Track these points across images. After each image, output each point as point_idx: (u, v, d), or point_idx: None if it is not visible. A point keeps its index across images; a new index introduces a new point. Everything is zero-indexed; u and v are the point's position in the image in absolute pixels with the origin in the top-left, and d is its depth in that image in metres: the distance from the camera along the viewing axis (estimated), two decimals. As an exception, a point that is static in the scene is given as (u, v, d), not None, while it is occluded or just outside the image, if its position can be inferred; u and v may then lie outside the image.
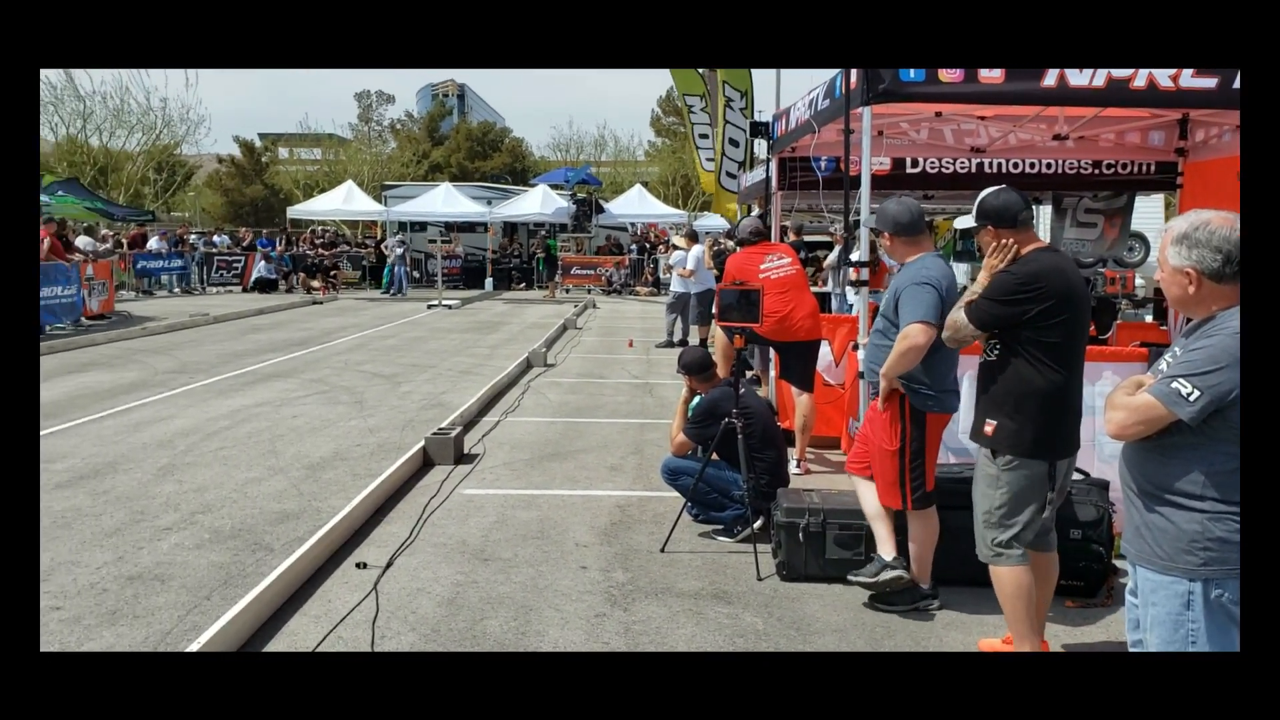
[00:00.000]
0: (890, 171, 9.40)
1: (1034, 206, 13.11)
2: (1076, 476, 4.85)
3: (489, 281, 29.61)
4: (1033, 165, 9.42)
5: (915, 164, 9.61)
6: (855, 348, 6.31)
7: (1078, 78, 5.06)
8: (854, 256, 5.84)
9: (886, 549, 4.57)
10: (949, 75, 5.11)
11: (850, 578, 4.65)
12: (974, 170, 9.50)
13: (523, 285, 30.30)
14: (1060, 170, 9.46)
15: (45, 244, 17.16)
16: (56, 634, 4.21)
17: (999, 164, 9.38)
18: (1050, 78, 5.08)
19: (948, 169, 9.64)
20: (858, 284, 5.48)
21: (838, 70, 5.60)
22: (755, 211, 10.64)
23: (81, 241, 20.08)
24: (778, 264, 7.01)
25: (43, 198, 22.99)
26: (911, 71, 5.05)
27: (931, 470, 4.48)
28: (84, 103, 43.61)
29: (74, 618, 4.38)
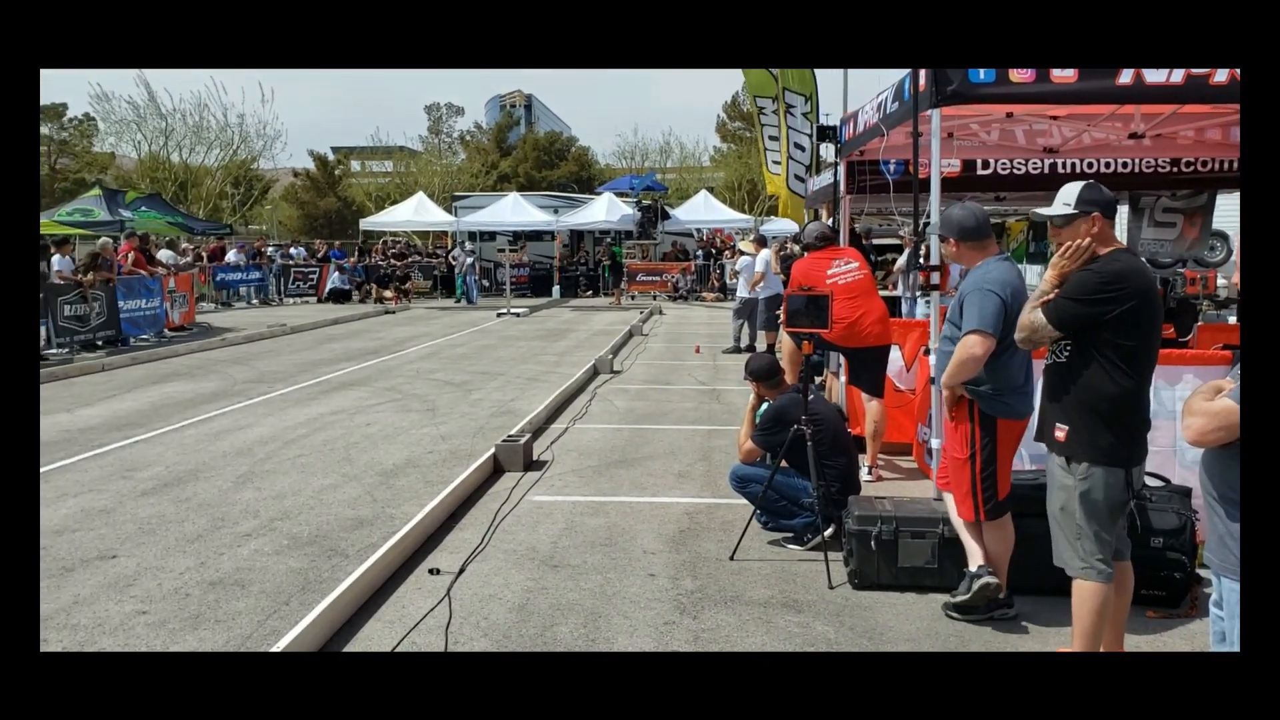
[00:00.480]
0: (961, 174, 9.27)
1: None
2: (1156, 483, 4.72)
3: (556, 289, 29.85)
4: (1108, 165, 9.21)
5: (986, 165, 9.47)
6: (926, 352, 6.23)
7: (1154, 74, 4.92)
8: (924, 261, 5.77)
9: (975, 560, 4.47)
10: (1020, 75, 5.02)
11: (947, 613, 4.56)
12: (1046, 171, 9.32)
13: (589, 292, 30.47)
14: (1137, 169, 9.24)
15: (129, 258, 17.78)
16: (143, 637, 4.35)
17: (1072, 164, 9.19)
18: (1126, 75, 4.95)
19: (1019, 170, 9.48)
20: (928, 288, 5.40)
21: (906, 72, 5.54)
22: (823, 216, 10.56)
23: (164, 255, 20.73)
24: (845, 269, 6.95)
25: (126, 213, 23.77)
26: (981, 73, 4.97)
27: (1004, 478, 4.39)
28: (165, 120, 45.09)
29: (159, 621, 4.52)
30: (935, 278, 5.42)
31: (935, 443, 5.37)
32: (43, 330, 14.65)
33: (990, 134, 8.49)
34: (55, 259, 15.71)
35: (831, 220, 8.97)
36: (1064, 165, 9.25)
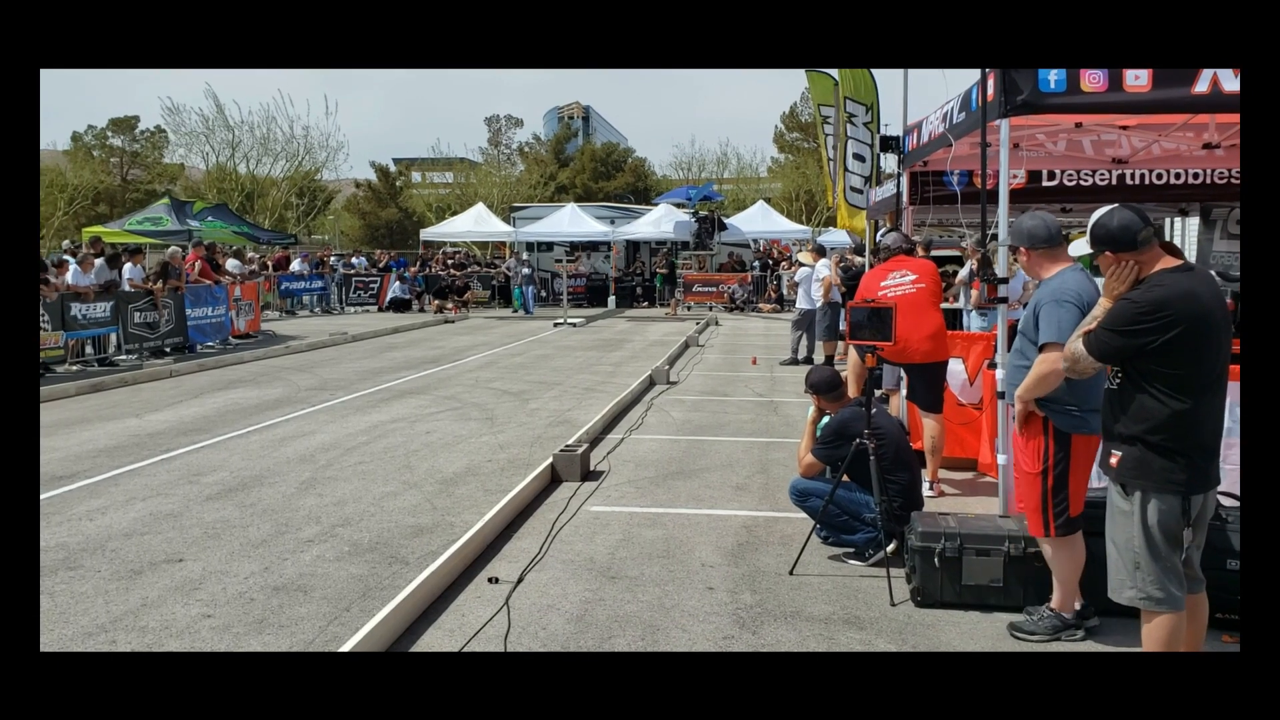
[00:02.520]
0: (1026, 185, 9.12)
1: (1181, 219, 12.50)
2: (1231, 503, 4.56)
3: (612, 299, 29.94)
4: (1178, 175, 8.99)
5: (1052, 176, 9.30)
6: (991, 366, 6.11)
7: (1232, 82, 4.77)
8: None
9: (1056, 597, 4.35)
10: (1092, 84, 4.91)
11: (1013, 633, 4.46)
12: (1114, 182, 9.12)
13: (645, 303, 30.51)
14: (1209, 180, 9.00)
15: (196, 267, 18.20)
16: (208, 641, 4.41)
17: (1142, 175, 8.99)
18: (1203, 83, 4.81)
19: (1086, 181, 9.30)
20: (997, 301, 5.29)
21: (973, 82, 5.45)
22: (886, 226, 10.44)
23: (230, 264, 21.19)
24: (899, 281, 6.80)
25: (193, 223, 24.39)
26: (1052, 81, 4.87)
27: (1077, 495, 4.28)
28: (233, 132, 46.25)
29: (224, 625, 4.58)
30: (1002, 290, 5.30)
31: (1002, 459, 5.26)
32: (113, 337, 15.05)
33: (1057, 144, 8.33)
34: (127, 267, 16.13)
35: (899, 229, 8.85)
36: (1132, 176, 9.05)
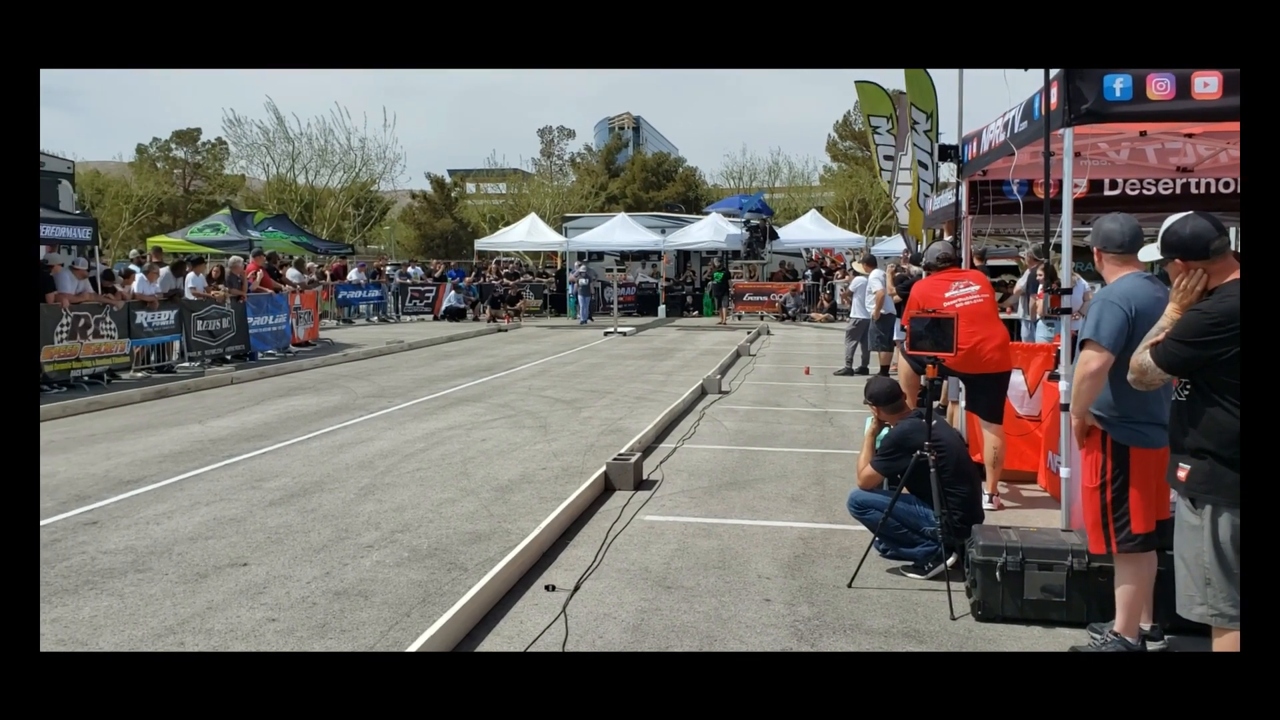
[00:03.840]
0: (1087, 194, 8.96)
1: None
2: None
3: (662, 309, 29.96)
4: (1247, 183, 8.76)
5: (1114, 186, 9.13)
6: (1052, 378, 6.02)
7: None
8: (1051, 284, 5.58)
9: (1119, 620, 4.26)
10: (1158, 93, 4.82)
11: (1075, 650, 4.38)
12: (1179, 191, 8.93)
13: (695, 312, 30.50)
14: None
15: (257, 276, 18.57)
16: (273, 643, 4.49)
17: (1208, 184, 8.78)
18: (1276, 90, 4.71)
19: (1149, 190, 9.11)
20: (1060, 311, 5.22)
21: (1036, 91, 5.38)
22: (943, 236, 10.34)
23: (290, 274, 21.58)
24: (965, 291, 6.77)
25: (254, 233, 24.87)
26: (1118, 90, 4.79)
27: (1141, 511, 4.16)
28: (292, 144, 47.12)
29: (287, 629, 4.67)
30: (1065, 301, 5.22)
31: (1064, 472, 5.18)
32: (175, 344, 15.40)
33: (1120, 153, 8.17)
34: (190, 276, 16.51)
35: (953, 240, 8.76)
36: (1198, 185, 8.85)
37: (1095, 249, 4.31)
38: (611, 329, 23.41)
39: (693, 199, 58.27)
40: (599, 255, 31.97)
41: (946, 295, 6.76)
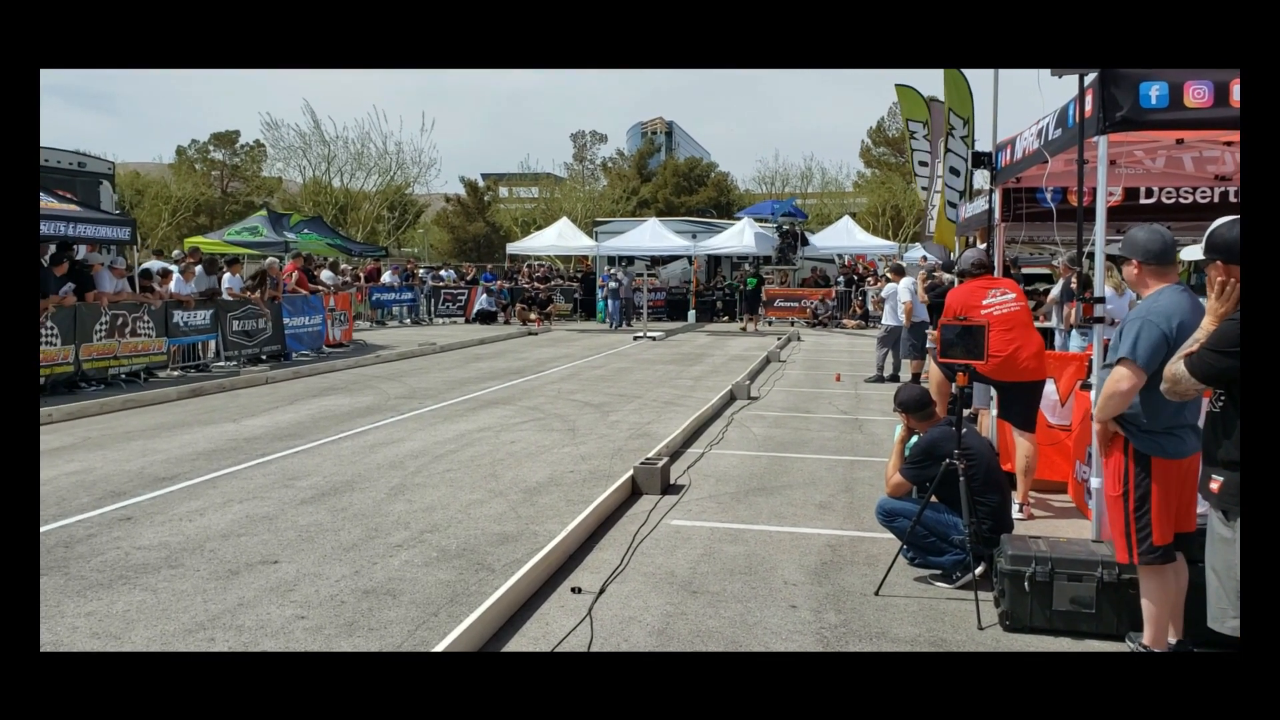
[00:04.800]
0: (1122, 202, 8.87)
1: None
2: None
3: (691, 314, 29.95)
4: (1288, 192, 8.64)
5: (1150, 194, 9.03)
6: (1084, 387, 5.97)
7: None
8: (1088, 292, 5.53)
9: (1152, 635, 4.21)
10: (1196, 100, 4.76)
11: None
12: (1217, 200, 8.82)
13: (725, 318, 30.44)
14: (1322, 197, 8.63)
15: (293, 278, 18.77)
16: (302, 641, 4.54)
17: (1248, 191, 8.66)
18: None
19: (1186, 198, 9.00)
20: (1094, 321, 5.17)
21: (1070, 98, 5.34)
22: (976, 244, 10.27)
23: (325, 276, 21.80)
24: (1001, 299, 6.73)
25: (290, 234, 25.16)
26: (1154, 97, 4.74)
27: (1163, 521, 4.10)
28: (329, 147, 47.63)
29: (316, 627, 4.71)
30: (1099, 310, 5.17)
31: (1095, 482, 5.13)
32: (212, 344, 15.61)
33: (1155, 160, 8.09)
34: (226, 277, 16.73)
35: (986, 248, 8.70)
36: (1237, 193, 8.73)
37: (1129, 260, 4.24)
38: (641, 333, 23.44)
39: (724, 204, 58.27)
40: (629, 260, 32.02)
41: (984, 303, 6.72)
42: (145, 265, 16.42)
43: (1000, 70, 12.28)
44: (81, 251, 14.18)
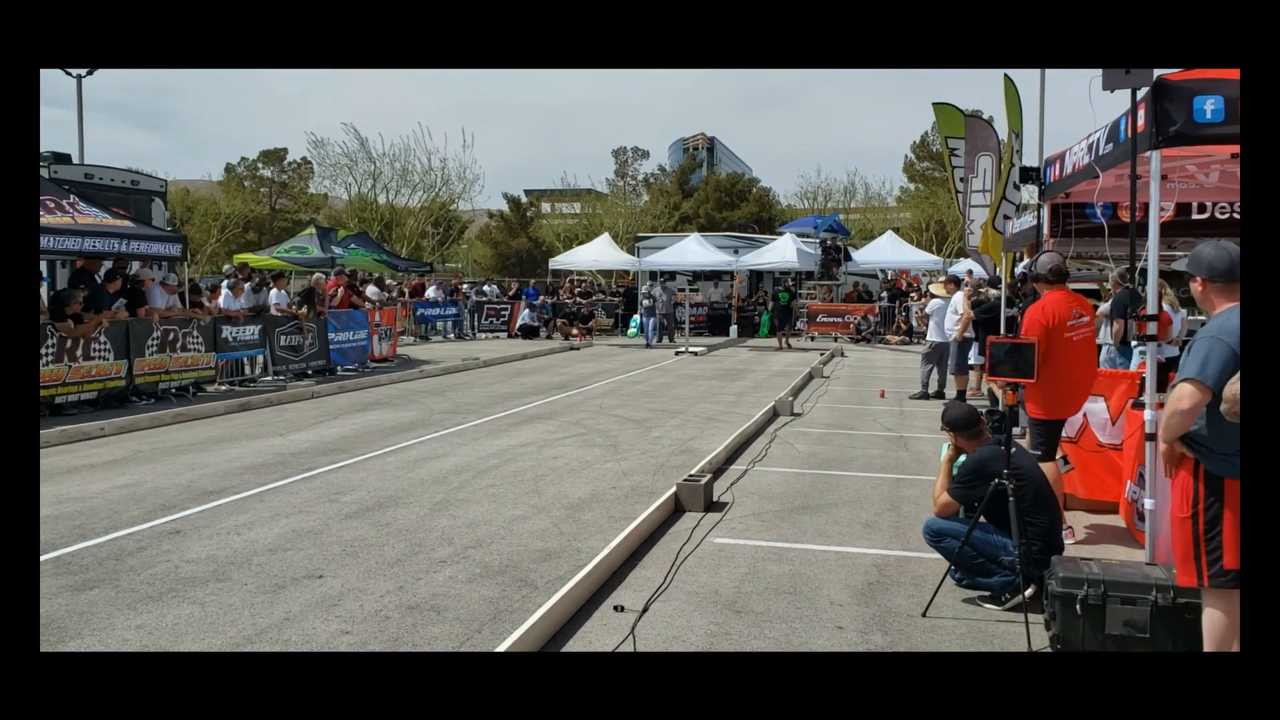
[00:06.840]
0: (1174, 217, 8.72)
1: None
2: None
3: (733, 329, 29.87)
4: (1349, 206, 8.43)
5: (1203, 209, 8.88)
6: (1136, 405, 5.84)
7: None
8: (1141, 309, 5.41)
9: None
10: (1253, 113, 4.67)
11: None
12: (1274, 214, 8.63)
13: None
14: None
15: (338, 294, 19.00)
16: (348, 655, 4.57)
17: (1307, 206, 8.47)
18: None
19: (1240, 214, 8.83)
20: (1145, 339, 5.07)
21: (1122, 113, 5.26)
22: (1027, 259, 10.12)
23: (370, 291, 22.06)
24: (1080, 323, 6.23)
25: (337, 250, 25.53)
26: (1209, 111, 4.66)
27: (1234, 545, 4.00)
28: (374, 164, 48.31)
29: (360, 643, 4.74)
30: (1152, 328, 5.07)
31: (1149, 504, 5.02)
32: (259, 359, 15.83)
33: (1209, 175, 7.94)
34: (273, 293, 16.98)
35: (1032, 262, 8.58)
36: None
37: (1195, 279, 4.13)
38: (683, 349, 23.41)
39: (766, 219, 58.13)
40: (671, 275, 32.03)
41: (1069, 324, 6.17)
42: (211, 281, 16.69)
43: (1046, 77, 12.14)
44: (135, 267, 14.46)
